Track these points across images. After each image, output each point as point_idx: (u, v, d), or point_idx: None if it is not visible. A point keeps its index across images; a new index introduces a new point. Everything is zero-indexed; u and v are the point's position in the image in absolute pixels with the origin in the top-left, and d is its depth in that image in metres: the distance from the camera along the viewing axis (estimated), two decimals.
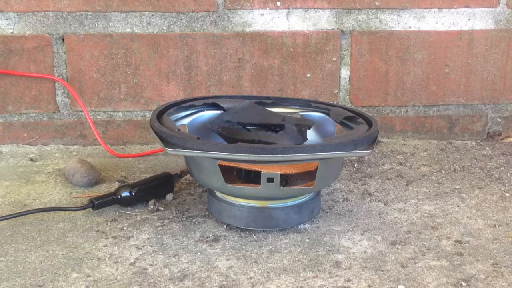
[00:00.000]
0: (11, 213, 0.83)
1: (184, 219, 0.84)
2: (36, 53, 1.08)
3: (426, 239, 0.79)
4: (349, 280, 0.70)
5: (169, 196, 0.90)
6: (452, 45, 1.14)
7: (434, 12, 1.12)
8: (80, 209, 0.84)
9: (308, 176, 0.80)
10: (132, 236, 0.79)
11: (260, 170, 0.75)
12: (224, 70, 1.12)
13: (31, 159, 1.05)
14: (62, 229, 0.81)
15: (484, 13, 1.13)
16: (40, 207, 0.86)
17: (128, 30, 1.09)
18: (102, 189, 0.94)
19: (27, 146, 1.12)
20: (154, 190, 0.89)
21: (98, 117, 1.12)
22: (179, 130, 0.79)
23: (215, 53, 1.11)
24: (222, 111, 0.90)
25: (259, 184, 0.75)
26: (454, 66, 1.15)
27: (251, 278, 0.70)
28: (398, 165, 1.05)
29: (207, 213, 0.86)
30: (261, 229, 0.81)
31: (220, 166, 0.75)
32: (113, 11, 1.07)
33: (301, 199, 0.81)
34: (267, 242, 0.78)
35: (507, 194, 0.93)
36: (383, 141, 1.16)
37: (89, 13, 1.07)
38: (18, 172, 1.00)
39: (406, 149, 1.13)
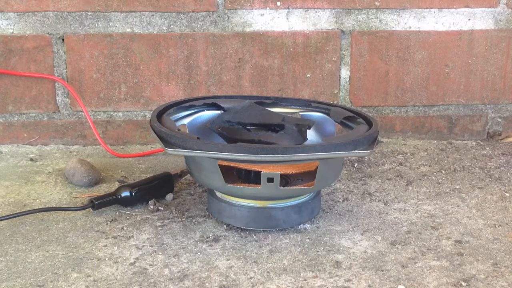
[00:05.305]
0: (11, 213, 0.83)
1: (184, 219, 0.84)
2: (36, 53, 1.08)
3: (426, 239, 0.79)
4: (349, 280, 0.70)
5: (169, 196, 0.90)
6: (452, 45, 1.14)
7: (434, 12, 1.12)
8: (80, 209, 0.84)
9: (308, 176, 0.80)
10: (132, 236, 0.79)
11: (260, 170, 0.75)
12: (224, 70, 1.12)
13: (31, 159, 1.05)
14: (62, 229, 0.81)
15: (484, 13, 1.13)
16: (40, 207, 0.86)
17: (128, 30, 1.09)
18: (102, 189, 0.94)
19: (27, 146, 1.12)
20: (154, 190, 0.89)
21: (98, 117, 1.12)
22: (179, 130, 0.79)
23: (215, 53, 1.11)
24: (222, 111, 0.90)
25: (259, 184, 0.75)
26: (454, 66, 1.15)
27: (251, 278, 0.70)
28: (398, 165, 1.05)
29: (207, 213, 0.86)
30: (261, 229, 0.81)
31: (220, 166, 0.75)
32: (113, 11, 1.07)
33: (301, 199, 0.81)
34: (267, 242, 0.78)
35: (507, 194, 0.93)
36: (383, 141, 1.16)
37: (89, 13, 1.07)
38: (18, 172, 1.00)
39: (406, 149, 1.13)
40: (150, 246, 0.77)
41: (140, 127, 1.13)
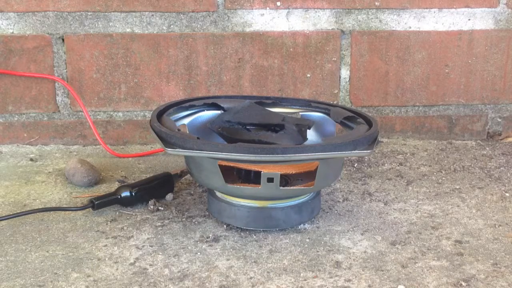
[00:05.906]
0: (11, 213, 0.83)
1: (184, 219, 0.84)
2: (36, 53, 1.08)
3: (426, 239, 0.79)
4: (349, 280, 0.70)
5: (169, 196, 0.90)
6: (452, 45, 1.14)
7: (434, 12, 1.12)
8: (80, 209, 0.84)
9: (308, 176, 0.80)
10: (132, 236, 0.79)
11: (260, 170, 0.75)
12: (224, 70, 1.12)
13: (31, 159, 1.05)
14: (62, 229, 0.81)
15: (484, 13, 1.13)
16: (40, 207, 0.86)
17: (128, 30, 1.09)
18: (102, 189, 0.94)
19: (27, 146, 1.12)
20: (154, 190, 0.89)
21: (98, 117, 1.12)
22: (179, 130, 0.79)
23: (215, 53, 1.11)
24: (222, 111, 0.90)
25: (259, 184, 0.75)
26: (454, 66, 1.15)
27: (251, 278, 0.70)
28: (398, 165, 1.05)
29: (207, 213, 0.86)
30: (261, 229, 0.81)
31: (220, 166, 0.75)
32: (113, 11, 1.07)
33: (301, 199, 0.81)
34: (267, 242, 0.78)
35: (507, 194, 0.93)
36: (383, 141, 1.16)
37: (89, 13, 1.07)
38: (18, 172, 1.00)
39: (406, 149, 1.13)
40: (150, 246, 0.77)
41: (140, 127, 1.13)
